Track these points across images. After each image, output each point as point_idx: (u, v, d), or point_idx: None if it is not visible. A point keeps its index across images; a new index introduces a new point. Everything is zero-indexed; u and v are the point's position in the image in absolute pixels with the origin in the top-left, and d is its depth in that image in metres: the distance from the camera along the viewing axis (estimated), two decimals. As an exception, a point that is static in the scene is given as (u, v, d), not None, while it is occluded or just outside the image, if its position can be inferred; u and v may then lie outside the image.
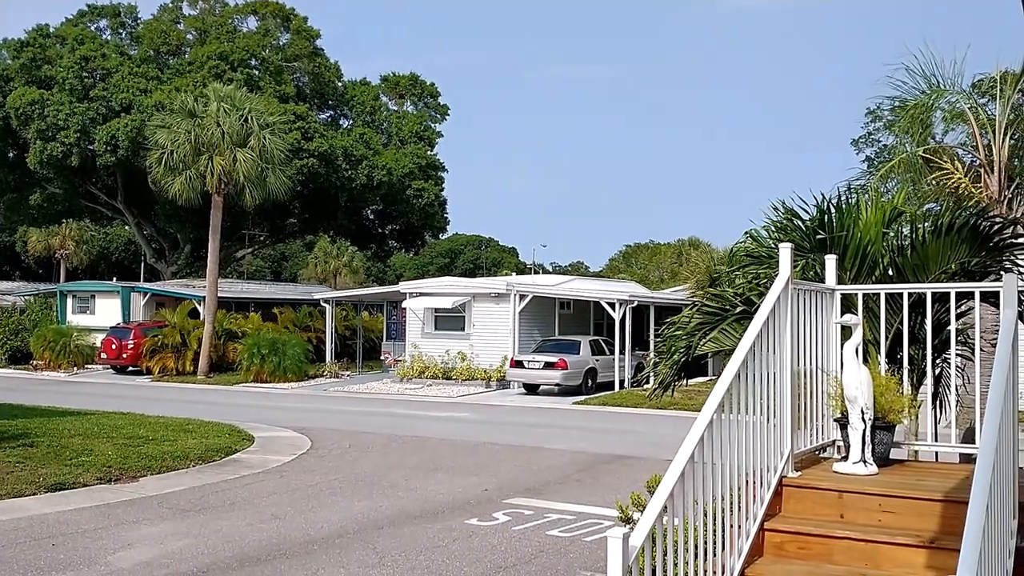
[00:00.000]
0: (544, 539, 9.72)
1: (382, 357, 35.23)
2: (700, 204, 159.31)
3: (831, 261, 6.11)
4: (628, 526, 5.96)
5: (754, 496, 4.84)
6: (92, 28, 46.23)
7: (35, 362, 35.34)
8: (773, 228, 6.99)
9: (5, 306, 43.29)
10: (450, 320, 30.48)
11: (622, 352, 27.96)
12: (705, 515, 4.27)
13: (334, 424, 19.86)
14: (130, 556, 8.89)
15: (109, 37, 46.82)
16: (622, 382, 27.83)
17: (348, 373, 33.38)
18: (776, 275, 5.38)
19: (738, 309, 6.81)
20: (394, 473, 13.80)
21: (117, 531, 9.93)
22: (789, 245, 5.33)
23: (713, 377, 27.89)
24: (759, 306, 5.21)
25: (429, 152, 50.40)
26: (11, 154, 44.76)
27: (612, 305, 28.10)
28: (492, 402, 25.51)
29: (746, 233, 7.35)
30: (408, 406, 24.43)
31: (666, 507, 3.85)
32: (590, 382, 27.47)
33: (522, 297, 29.22)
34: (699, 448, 4.14)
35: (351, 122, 51.24)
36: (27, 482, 12.01)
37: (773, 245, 6.82)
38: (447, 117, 53.67)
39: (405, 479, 13.27)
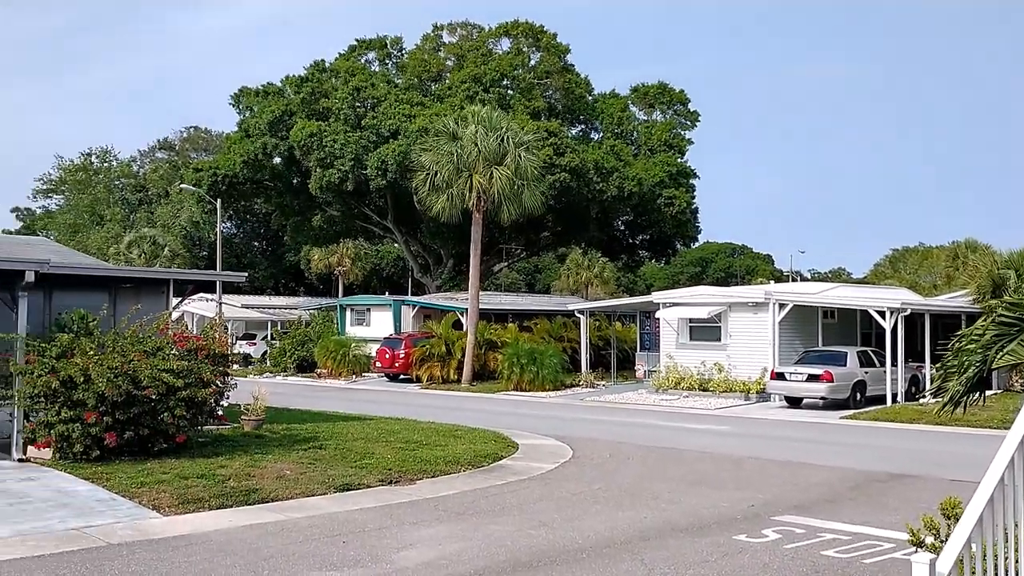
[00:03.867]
0: (818, 559, 9.31)
1: (636, 368, 35.22)
2: (973, 205, 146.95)
3: None
4: (922, 550, 5.59)
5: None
6: (362, 61, 49.94)
7: (319, 370, 38.47)
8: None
9: (293, 319, 47.57)
10: (705, 330, 29.95)
11: (894, 364, 26.23)
12: (1016, 540, 3.94)
13: (592, 433, 20.10)
14: (412, 556, 9.44)
15: (377, 68, 50.38)
16: (894, 396, 26.12)
17: (603, 383, 33.68)
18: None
19: (1042, 318, 6.20)
20: (656, 484, 13.75)
21: (399, 531, 10.58)
22: (1109, 248, 4.80)
23: (998, 391, 25.58)
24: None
25: (679, 160, 49.96)
26: (295, 181, 49.23)
27: (882, 313, 26.45)
28: (752, 415, 24.78)
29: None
30: (664, 417, 24.26)
31: (974, 532, 3.58)
32: (858, 396, 26.00)
33: (782, 306, 28.19)
34: (1009, 471, 3.83)
35: (600, 134, 51.81)
36: (318, 482, 13.09)
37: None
38: (697, 123, 52.98)
39: (668, 491, 13.18)
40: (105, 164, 79.86)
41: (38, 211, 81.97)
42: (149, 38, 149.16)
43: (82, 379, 13.79)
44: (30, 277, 14.41)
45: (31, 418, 14.50)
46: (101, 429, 13.81)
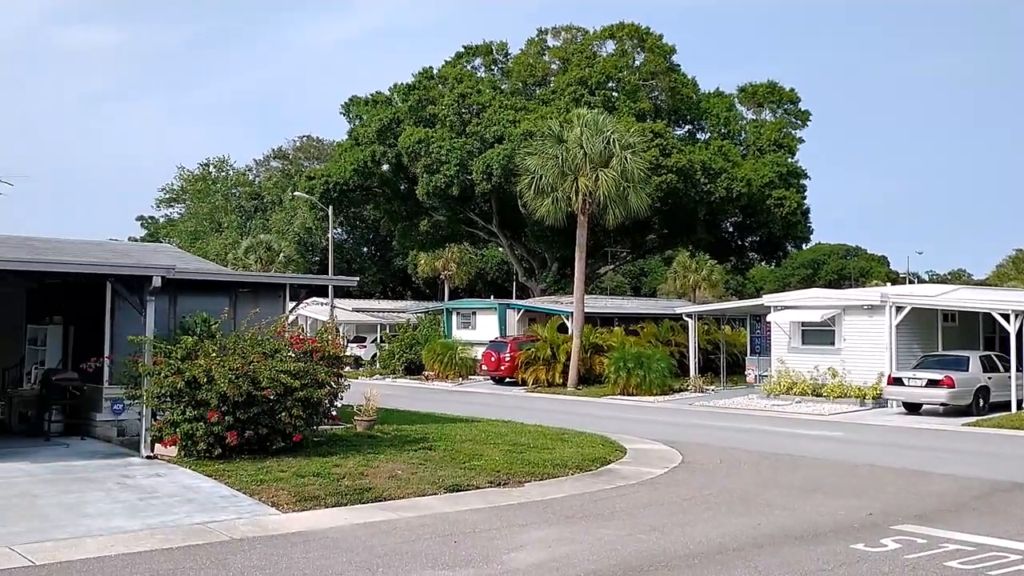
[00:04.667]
0: (942, 571, 8.97)
1: (746, 372, 34.57)
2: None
3: None
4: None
5: None
6: (468, 67, 50.55)
7: (426, 373, 39.06)
8: None
9: (401, 323, 48.47)
10: (818, 334, 29.18)
11: (1019, 369, 25.02)
12: None
13: (701, 439, 19.83)
14: (523, 557, 9.50)
15: (483, 74, 50.91)
16: (1020, 402, 24.91)
17: (712, 388, 33.16)
18: None
19: None
20: (769, 491, 13.48)
21: (509, 532, 10.67)
22: None
23: None
24: None
25: (789, 160, 48.90)
26: (403, 187, 50.19)
27: (1006, 316, 25.28)
28: (868, 421, 24.02)
29: None
30: (776, 423, 23.75)
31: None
32: (981, 402, 24.88)
33: (899, 309, 27.23)
34: None
35: (707, 135, 51.13)
36: (429, 482, 13.29)
37: None
38: (808, 123, 51.83)
39: (782, 498, 12.90)
40: (222, 173, 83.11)
41: (161, 219, 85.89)
42: (264, 52, 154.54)
43: (205, 380, 14.38)
44: (157, 282, 15.12)
45: (158, 417, 15.19)
46: (223, 428, 14.36)
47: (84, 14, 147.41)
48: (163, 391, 14.65)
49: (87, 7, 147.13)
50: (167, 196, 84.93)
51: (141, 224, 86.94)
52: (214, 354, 14.99)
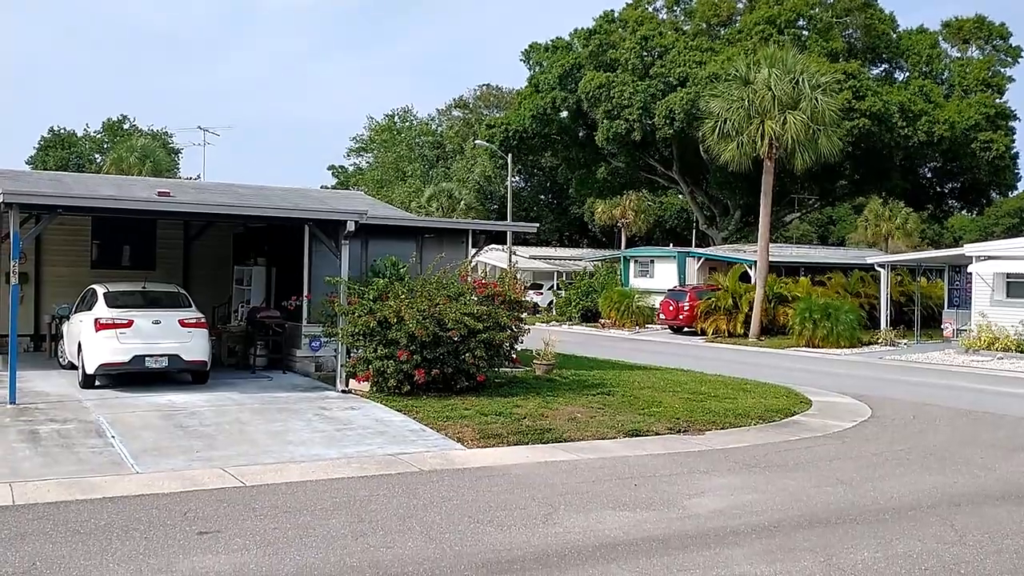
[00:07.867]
0: None
1: (943, 326, 32.67)
2: None
3: None
4: None
5: None
6: (650, 9, 49.46)
7: (602, 320, 39.16)
8: None
9: (577, 270, 48.69)
10: (1026, 287, 27.23)
11: None
12: None
13: (892, 393, 18.98)
14: (704, 503, 9.46)
15: (665, 16, 49.72)
16: None
17: (905, 341, 31.58)
18: None
19: None
20: (967, 449, 12.78)
21: (689, 479, 10.64)
22: None
23: None
24: None
25: (998, 100, 45.37)
26: (581, 134, 50.02)
27: None
28: (1081, 381, 22.26)
29: None
30: (975, 380, 22.38)
31: None
32: None
33: (1122, 261, 24.94)
34: None
35: (906, 74, 48.08)
36: (608, 426, 13.42)
37: None
38: (1019, 60, 47.82)
39: (981, 457, 12.21)
40: (406, 124, 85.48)
41: (350, 168, 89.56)
42: (445, 4, 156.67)
43: (395, 320, 15.03)
44: (351, 227, 15.87)
45: (352, 354, 16.02)
46: (411, 366, 15.00)
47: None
48: (357, 330, 15.42)
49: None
50: (357, 145, 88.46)
51: (332, 173, 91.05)
52: (403, 296, 15.61)
